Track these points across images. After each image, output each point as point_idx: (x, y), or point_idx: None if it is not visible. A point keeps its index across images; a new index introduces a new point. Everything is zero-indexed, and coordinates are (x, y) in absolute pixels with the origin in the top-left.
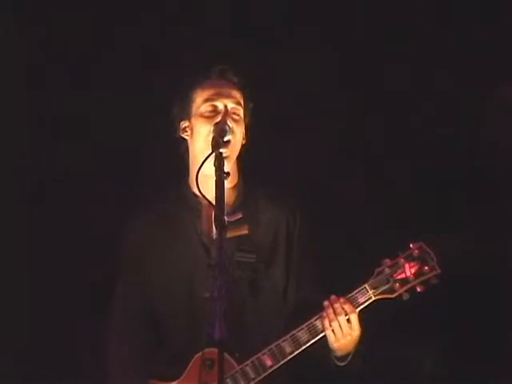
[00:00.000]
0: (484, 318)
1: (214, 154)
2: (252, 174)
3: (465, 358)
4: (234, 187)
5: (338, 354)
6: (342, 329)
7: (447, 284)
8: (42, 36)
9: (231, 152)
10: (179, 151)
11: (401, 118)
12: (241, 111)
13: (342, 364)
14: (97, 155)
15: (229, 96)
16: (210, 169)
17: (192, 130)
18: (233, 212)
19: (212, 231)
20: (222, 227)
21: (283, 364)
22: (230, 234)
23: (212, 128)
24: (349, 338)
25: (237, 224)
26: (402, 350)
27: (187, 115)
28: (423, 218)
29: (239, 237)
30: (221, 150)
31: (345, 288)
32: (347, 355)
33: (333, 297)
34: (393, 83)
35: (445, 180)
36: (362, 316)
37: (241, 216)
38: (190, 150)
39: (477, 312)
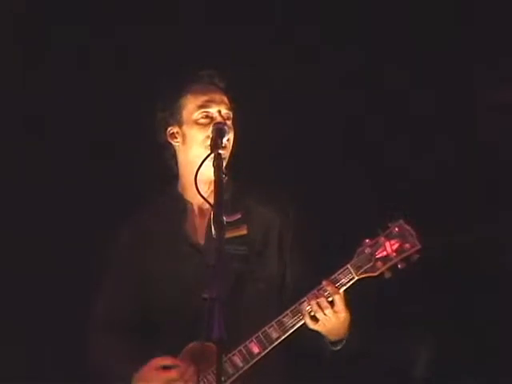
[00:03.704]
0: (483, 316)
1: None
2: (241, 172)
3: (463, 357)
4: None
5: (331, 338)
6: (323, 311)
7: (445, 281)
8: (39, 33)
9: (226, 153)
10: (163, 156)
11: (399, 116)
12: (231, 116)
13: (337, 348)
14: (92, 155)
15: (221, 102)
16: (205, 173)
17: (184, 136)
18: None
19: (198, 235)
20: (220, 228)
21: (279, 362)
22: (228, 235)
23: (211, 128)
24: (334, 320)
25: (236, 224)
26: (397, 348)
27: (176, 121)
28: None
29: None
30: (219, 151)
31: (329, 271)
32: (341, 340)
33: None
34: (393, 84)
35: (443, 178)
36: (347, 297)
37: (239, 216)
38: (179, 156)
39: (476, 310)
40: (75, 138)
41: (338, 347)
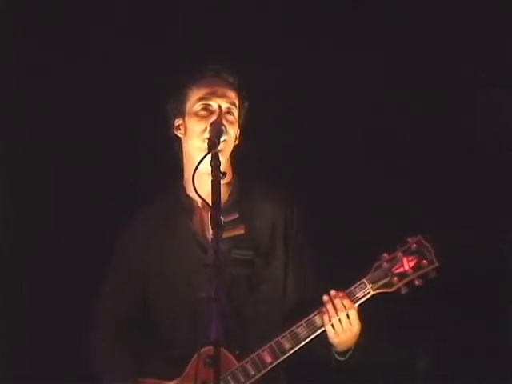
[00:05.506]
0: (483, 316)
1: (210, 154)
2: (247, 171)
3: (462, 357)
4: (228, 184)
5: (339, 349)
6: (341, 324)
7: (445, 281)
8: (40, 33)
9: (224, 147)
10: (173, 150)
11: (399, 118)
12: (235, 111)
13: (343, 359)
14: (95, 155)
15: (223, 96)
16: (204, 167)
17: (186, 128)
18: (226, 210)
19: (207, 232)
20: (218, 227)
21: (284, 363)
22: (226, 235)
23: (208, 128)
24: (348, 333)
25: (233, 224)
26: (397, 348)
27: (181, 113)
28: (423, 215)
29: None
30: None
31: (344, 283)
32: (348, 350)
33: (332, 292)
34: (393, 83)
35: (445, 177)
36: (360, 311)
37: (237, 216)
38: (183, 149)
39: (475, 310)
40: (79, 137)
41: (345, 357)
